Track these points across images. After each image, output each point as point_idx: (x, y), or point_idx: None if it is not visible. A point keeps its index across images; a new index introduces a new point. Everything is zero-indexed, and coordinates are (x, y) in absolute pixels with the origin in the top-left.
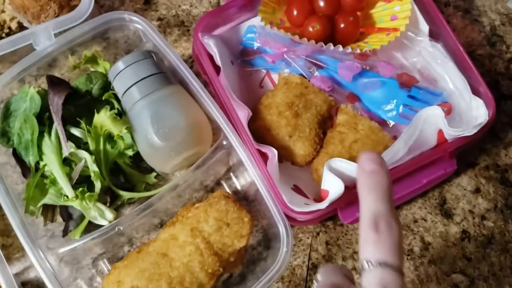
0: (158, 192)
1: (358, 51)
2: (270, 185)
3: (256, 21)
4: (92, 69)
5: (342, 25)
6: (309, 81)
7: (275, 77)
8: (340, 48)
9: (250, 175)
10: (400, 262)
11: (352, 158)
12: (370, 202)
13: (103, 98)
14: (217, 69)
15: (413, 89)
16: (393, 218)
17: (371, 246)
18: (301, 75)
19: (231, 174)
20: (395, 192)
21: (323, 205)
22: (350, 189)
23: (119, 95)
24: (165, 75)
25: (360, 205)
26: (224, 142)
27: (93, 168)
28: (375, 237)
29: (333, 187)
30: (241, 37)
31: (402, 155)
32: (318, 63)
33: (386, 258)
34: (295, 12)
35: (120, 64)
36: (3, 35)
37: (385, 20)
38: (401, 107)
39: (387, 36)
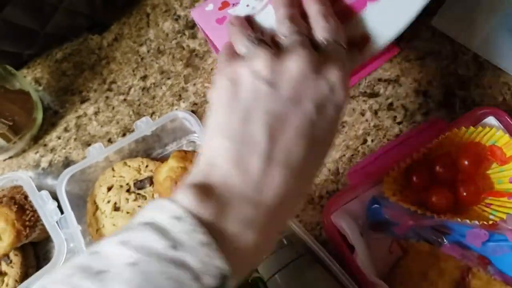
0: None
1: (485, 223)
2: None
3: (377, 190)
4: None
5: (464, 194)
6: (438, 248)
7: (403, 243)
8: (467, 221)
9: None
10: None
11: None
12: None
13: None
14: (349, 245)
15: None
16: None
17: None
18: (429, 242)
19: None
20: None
21: None
22: None
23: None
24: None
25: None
26: None
27: None
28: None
29: None
30: (365, 207)
31: None
32: (445, 230)
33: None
34: (416, 180)
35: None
36: None
37: (503, 181)
38: None
39: (509, 200)
